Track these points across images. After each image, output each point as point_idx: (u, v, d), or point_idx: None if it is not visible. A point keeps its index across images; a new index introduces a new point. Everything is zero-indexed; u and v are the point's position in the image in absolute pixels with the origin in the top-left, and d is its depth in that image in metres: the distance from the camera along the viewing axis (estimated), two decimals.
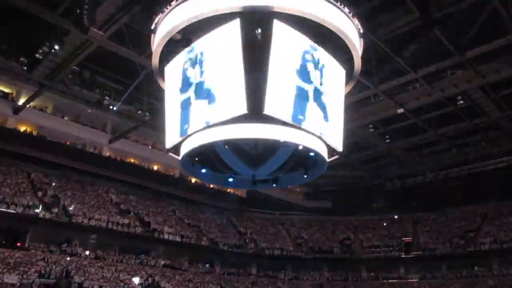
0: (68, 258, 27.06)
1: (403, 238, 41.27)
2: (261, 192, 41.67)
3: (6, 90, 29.68)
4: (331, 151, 12.79)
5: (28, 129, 31.02)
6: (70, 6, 18.59)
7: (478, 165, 38.12)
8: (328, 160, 12.79)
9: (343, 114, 12.77)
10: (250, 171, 12.80)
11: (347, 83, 13.21)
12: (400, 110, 27.15)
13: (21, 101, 29.40)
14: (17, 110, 29.00)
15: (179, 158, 12.95)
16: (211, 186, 38.02)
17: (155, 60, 12.70)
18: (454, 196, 39.84)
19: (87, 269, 26.85)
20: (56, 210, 28.76)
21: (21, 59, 24.96)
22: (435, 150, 35.99)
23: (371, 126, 31.08)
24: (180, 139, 12.06)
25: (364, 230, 44.26)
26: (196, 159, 13.17)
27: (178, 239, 34.01)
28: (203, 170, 13.82)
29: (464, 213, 40.37)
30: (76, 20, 18.39)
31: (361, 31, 12.14)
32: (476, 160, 37.29)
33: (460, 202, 39.88)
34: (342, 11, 11.27)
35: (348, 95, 14.11)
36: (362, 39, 12.30)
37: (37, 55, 22.82)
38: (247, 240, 40.85)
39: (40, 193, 29.75)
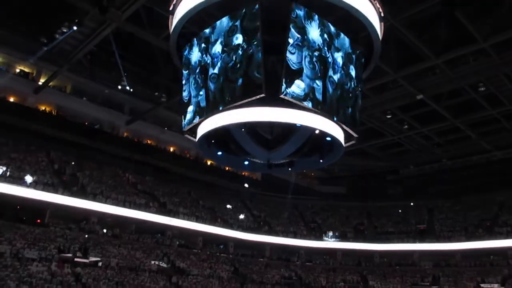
0: (86, 236, 27.75)
1: (417, 225, 41.14)
2: (275, 175, 41.80)
3: (27, 69, 30.11)
4: (348, 136, 12.71)
5: (48, 109, 31.52)
6: None
7: (497, 153, 37.45)
8: (344, 145, 12.72)
9: (361, 100, 12.63)
10: (266, 154, 12.82)
11: (365, 68, 13.02)
12: (420, 97, 26.68)
13: (41, 81, 29.82)
14: (37, 89, 29.43)
15: (196, 140, 13.03)
16: (227, 168, 38.22)
17: (173, 42, 12.68)
18: (471, 184, 39.24)
19: (104, 247, 27.53)
20: (74, 188, 29.39)
21: (41, 39, 25.20)
22: (453, 138, 35.39)
23: (389, 112, 30.63)
24: (196, 121, 12.11)
25: (378, 216, 44.16)
26: (212, 141, 13.24)
27: (193, 220, 34.47)
28: (219, 153, 13.90)
29: (481, 201, 39.86)
30: (95, 1, 18.43)
31: (382, 14, 11.90)
32: (495, 148, 36.58)
33: (476, 190, 39.25)
34: None
35: (366, 81, 13.94)
36: (382, 23, 12.07)
37: (57, 36, 22.98)
38: (261, 223, 41.18)
39: (59, 172, 30.44)
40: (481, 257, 35.00)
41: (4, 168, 26.40)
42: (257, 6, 10.21)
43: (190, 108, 12.19)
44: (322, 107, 10.80)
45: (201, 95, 11.74)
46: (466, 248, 35.55)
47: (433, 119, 31.57)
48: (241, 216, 39.85)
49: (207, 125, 12.20)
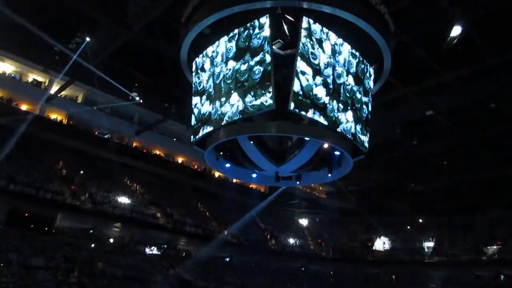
0: (93, 245, 27.76)
1: (426, 243, 40.55)
2: (283, 188, 41.62)
3: (40, 78, 30.53)
4: (357, 150, 12.64)
5: (59, 117, 31.84)
6: None
7: (510, 171, 36.90)
8: (353, 159, 12.65)
9: (370, 114, 12.60)
10: (274, 167, 12.79)
11: (375, 82, 13.01)
12: (430, 112, 26.51)
13: (53, 90, 30.20)
14: (49, 98, 29.79)
15: (204, 151, 13.05)
16: (234, 180, 38.16)
17: (184, 53, 12.81)
18: (482, 201, 38.64)
19: (110, 256, 27.48)
20: (83, 197, 29.52)
21: (55, 49, 25.60)
22: (464, 153, 34.99)
23: (398, 127, 30.42)
24: (205, 133, 12.14)
25: (387, 232, 43.65)
26: (221, 153, 13.25)
27: (199, 231, 34.35)
28: (227, 165, 13.90)
29: (492, 220, 39.19)
30: (108, 12, 18.72)
31: (393, 29, 11.92)
32: (507, 165, 36.05)
33: (488, 208, 38.63)
34: (374, 9, 11.10)
35: (376, 95, 13.91)
36: (393, 38, 12.08)
37: (70, 46, 23.31)
38: (268, 236, 40.89)
39: (68, 180, 30.60)
40: (491, 276, 34.31)
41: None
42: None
43: (200, 120, 12.25)
44: (331, 121, 10.78)
45: (210, 105, 11.80)
46: (476, 266, 34.94)
47: (443, 134, 31.30)
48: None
49: (216, 137, 12.22)
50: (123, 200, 32.01)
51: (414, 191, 43.38)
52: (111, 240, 29.87)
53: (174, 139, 37.52)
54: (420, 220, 42.98)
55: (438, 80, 23.30)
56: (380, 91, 14.56)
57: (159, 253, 31.58)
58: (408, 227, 43.19)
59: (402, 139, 32.73)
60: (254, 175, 14.38)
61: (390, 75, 13.77)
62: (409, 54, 21.25)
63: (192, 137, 12.72)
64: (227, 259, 36.92)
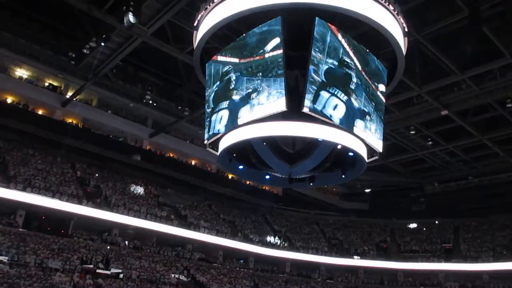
0: (108, 247, 28.05)
1: (443, 244, 40.02)
2: (297, 190, 41.50)
3: (55, 83, 30.97)
4: (371, 151, 12.54)
5: (74, 121, 32.25)
6: (116, 3, 19.13)
7: None
8: (367, 160, 12.56)
9: (384, 115, 12.49)
10: (287, 169, 12.76)
11: (389, 83, 12.90)
12: (444, 113, 26.18)
13: (68, 94, 30.62)
14: (64, 102, 30.19)
15: (217, 153, 13.08)
16: (248, 182, 38.19)
17: (197, 56, 12.87)
18: (499, 202, 37.92)
19: (125, 258, 27.72)
20: (98, 200, 29.87)
21: (70, 53, 26.00)
22: (480, 154, 34.46)
23: (412, 128, 30.11)
24: (219, 135, 12.17)
25: (402, 234, 43.20)
26: (234, 155, 13.27)
27: (213, 233, 34.46)
28: (240, 167, 13.92)
29: (510, 221, 38.50)
30: (121, 17, 18.90)
31: (406, 29, 11.81)
32: None
33: (505, 209, 37.94)
34: (387, 8, 11.01)
35: (390, 96, 13.78)
36: (406, 38, 11.97)
37: (84, 50, 23.62)
38: (282, 238, 40.81)
39: (83, 183, 31.02)
40: (509, 279, 33.65)
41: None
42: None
43: (213, 122, 12.27)
44: (345, 122, 10.71)
45: (222, 108, 11.82)
46: (494, 269, 34.34)
47: (459, 135, 30.87)
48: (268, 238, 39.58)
49: (229, 139, 12.24)
50: (138, 202, 32.29)
51: (431, 193, 42.92)
52: (126, 242, 30.13)
53: (188, 142, 37.70)
54: (436, 222, 42.45)
55: (454, 79, 23.02)
56: (394, 91, 14.43)
57: (173, 254, 31.72)
58: (424, 229, 42.65)
59: (417, 140, 32.42)
60: (267, 177, 14.37)
61: (404, 75, 13.65)
62: (424, 54, 21.08)
63: (206, 138, 12.74)
64: (241, 261, 36.96)
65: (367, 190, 45.91)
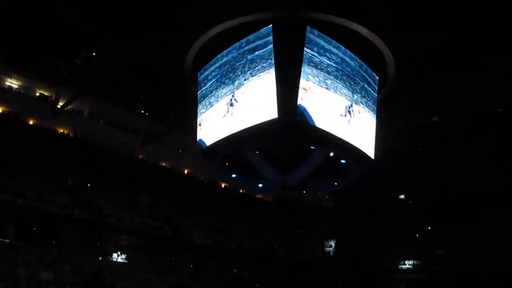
0: (101, 258, 27.74)
1: (437, 251, 40.01)
2: (290, 197, 41.39)
3: (46, 93, 30.78)
4: (363, 158, 12.59)
5: (66, 131, 32.03)
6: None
7: None
8: (359, 167, 12.60)
9: (375, 122, 12.57)
10: (280, 176, 12.77)
11: (380, 90, 12.99)
12: (435, 119, 26.34)
13: (59, 104, 30.42)
14: (55, 112, 30.00)
15: (210, 161, 13.07)
16: (241, 191, 38.02)
17: (188, 67, 12.91)
18: (495, 208, 37.94)
19: (118, 269, 27.43)
20: (90, 210, 29.56)
21: (61, 64, 25.91)
22: (472, 160, 34.54)
23: (404, 134, 30.19)
24: (211, 143, 12.17)
25: (395, 240, 43.12)
26: (227, 163, 13.26)
27: (207, 243, 34.24)
28: (233, 175, 13.90)
29: (506, 228, 38.50)
30: (113, 28, 18.92)
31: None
32: None
33: (502, 216, 37.89)
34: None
35: (381, 102, 13.88)
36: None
37: (76, 60, 23.55)
38: (276, 246, 40.61)
39: (75, 194, 30.69)
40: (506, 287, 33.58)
41: None
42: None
43: (205, 130, 12.29)
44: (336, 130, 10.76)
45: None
46: (489, 276, 34.28)
47: (452, 141, 30.99)
48: None
49: (222, 147, 12.23)
50: (130, 212, 32.03)
51: (424, 199, 42.92)
52: (119, 253, 29.82)
53: (180, 151, 37.54)
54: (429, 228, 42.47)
55: (444, 85, 23.17)
56: (385, 98, 14.52)
57: (167, 265, 31.45)
58: (417, 235, 42.69)
59: (409, 147, 32.51)
60: (260, 185, 14.36)
61: (395, 82, 13.77)
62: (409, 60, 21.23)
63: (199, 145, 12.74)
64: (236, 269, 36.76)
65: (361, 197, 45.82)
